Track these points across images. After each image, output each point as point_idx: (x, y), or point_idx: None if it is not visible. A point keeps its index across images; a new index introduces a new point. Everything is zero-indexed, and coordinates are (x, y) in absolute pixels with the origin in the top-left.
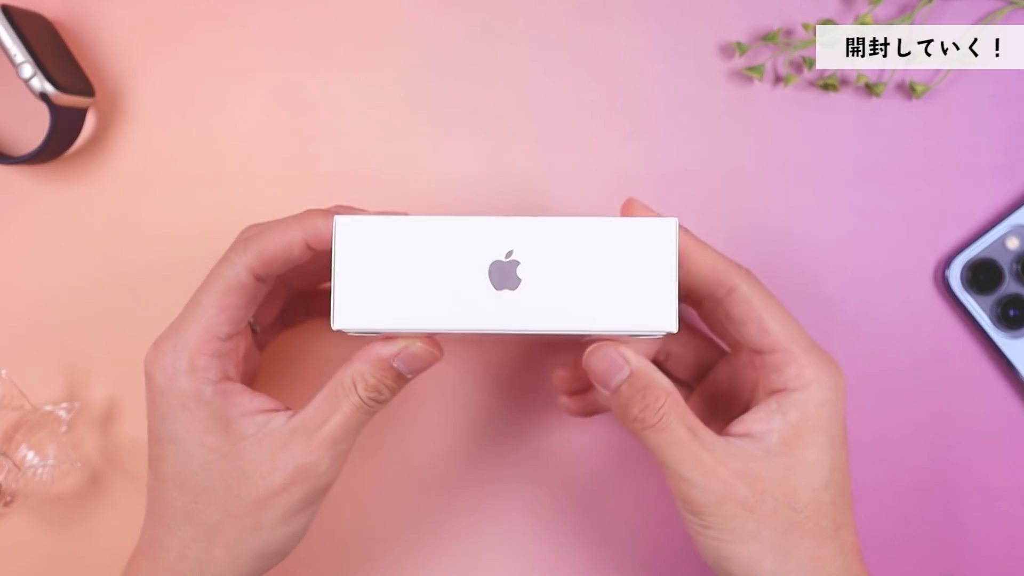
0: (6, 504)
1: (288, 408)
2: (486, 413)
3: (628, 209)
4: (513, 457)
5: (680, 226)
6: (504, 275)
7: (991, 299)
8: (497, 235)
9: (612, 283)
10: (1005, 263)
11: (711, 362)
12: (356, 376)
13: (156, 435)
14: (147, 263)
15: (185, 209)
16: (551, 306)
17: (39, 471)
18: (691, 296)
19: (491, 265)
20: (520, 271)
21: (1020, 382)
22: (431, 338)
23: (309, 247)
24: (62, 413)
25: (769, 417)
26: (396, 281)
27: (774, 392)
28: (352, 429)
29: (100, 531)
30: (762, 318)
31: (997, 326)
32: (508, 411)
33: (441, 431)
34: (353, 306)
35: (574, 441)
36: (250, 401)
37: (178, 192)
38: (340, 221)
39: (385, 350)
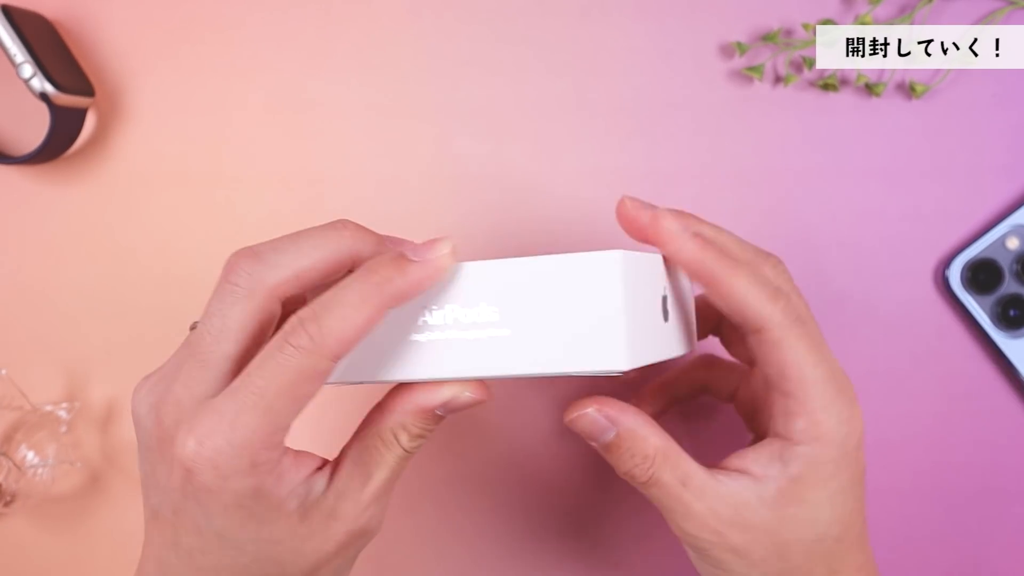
0: (6, 504)
1: (323, 461)
2: (486, 426)
3: (621, 208)
4: (511, 471)
5: (705, 246)
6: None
7: (991, 299)
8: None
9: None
10: (1005, 263)
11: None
12: (397, 428)
13: (194, 526)
14: (147, 263)
15: (185, 209)
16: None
17: (39, 471)
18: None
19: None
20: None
21: (1020, 382)
22: (481, 382)
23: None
24: (62, 413)
25: (770, 463)
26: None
27: (778, 436)
28: (396, 479)
29: (100, 531)
30: (784, 363)
31: (997, 326)
32: (506, 424)
33: (441, 441)
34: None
35: (569, 455)
36: (296, 472)
37: (178, 192)
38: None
39: (428, 399)
